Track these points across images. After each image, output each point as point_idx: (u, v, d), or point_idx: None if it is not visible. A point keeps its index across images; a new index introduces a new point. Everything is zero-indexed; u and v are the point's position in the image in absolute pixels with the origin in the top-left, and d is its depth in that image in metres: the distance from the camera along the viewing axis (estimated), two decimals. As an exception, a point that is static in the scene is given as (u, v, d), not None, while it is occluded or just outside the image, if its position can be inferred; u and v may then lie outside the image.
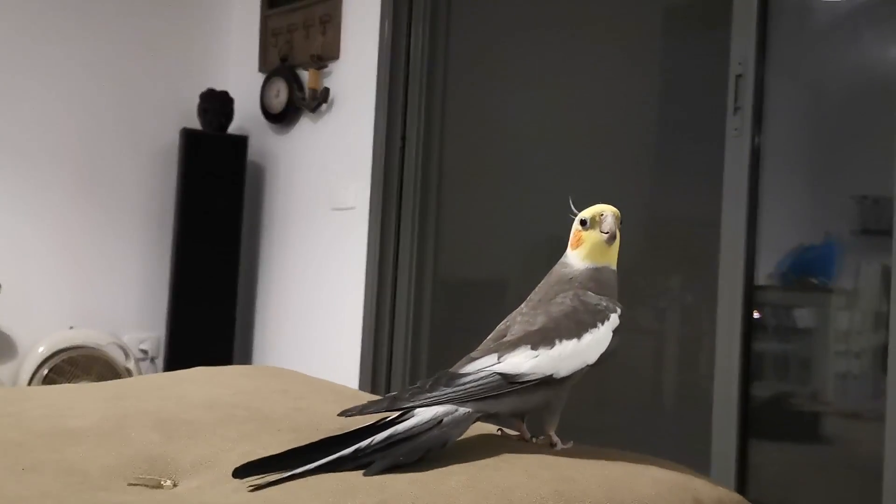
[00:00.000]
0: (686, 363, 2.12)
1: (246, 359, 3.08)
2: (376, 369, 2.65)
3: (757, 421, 1.86)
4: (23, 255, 2.83)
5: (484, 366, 0.81)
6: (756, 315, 1.89)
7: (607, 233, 0.86)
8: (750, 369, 1.87)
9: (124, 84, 3.02)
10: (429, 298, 2.66)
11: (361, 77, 2.75)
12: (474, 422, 0.81)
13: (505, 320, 0.89)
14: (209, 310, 2.91)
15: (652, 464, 0.85)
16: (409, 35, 2.69)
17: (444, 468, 0.75)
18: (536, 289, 0.91)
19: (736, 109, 1.89)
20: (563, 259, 0.91)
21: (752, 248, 1.88)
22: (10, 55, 2.80)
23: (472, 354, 0.84)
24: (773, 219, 1.90)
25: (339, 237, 2.81)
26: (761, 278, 1.90)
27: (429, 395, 0.78)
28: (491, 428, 0.93)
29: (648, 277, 2.13)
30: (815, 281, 1.91)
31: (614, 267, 0.89)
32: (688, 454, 1.82)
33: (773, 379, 1.92)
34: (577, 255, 0.89)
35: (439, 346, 2.62)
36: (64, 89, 2.90)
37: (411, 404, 0.77)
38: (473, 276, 2.62)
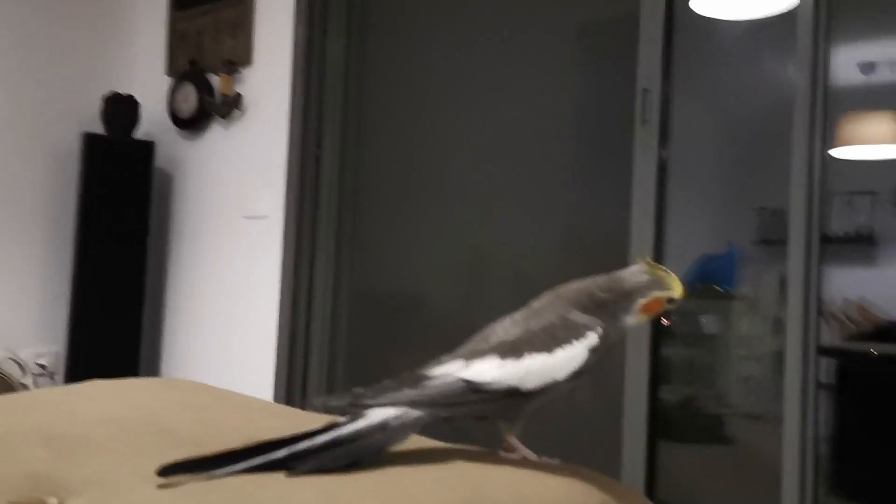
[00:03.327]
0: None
1: (153, 373, 2.96)
2: (291, 381, 2.59)
3: (665, 424, 1.91)
4: None
5: (450, 371, 0.79)
6: (664, 322, 1.95)
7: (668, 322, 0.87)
8: (658, 374, 1.92)
9: (21, 86, 2.87)
10: (346, 310, 2.62)
11: (275, 83, 2.70)
12: (422, 426, 0.78)
13: (492, 323, 0.84)
14: (113, 322, 2.78)
15: (563, 468, 0.86)
16: (324, 41, 2.67)
17: (355, 475, 0.73)
18: (541, 297, 0.86)
19: (644, 121, 1.95)
20: (605, 293, 0.84)
21: (659, 257, 1.94)
22: None
23: (443, 357, 0.81)
24: (678, 229, 1.96)
25: (253, 247, 2.74)
26: (668, 286, 1.96)
27: (391, 394, 0.76)
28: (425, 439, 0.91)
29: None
30: (718, 288, 1.99)
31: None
32: (600, 458, 1.84)
33: (679, 383, 1.98)
34: (635, 317, 0.85)
35: (357, 358, 2.59)
36: (-47, 89, 2.73)
37: (371, 402, 0.75)
38: (393, 289, 2.60)
